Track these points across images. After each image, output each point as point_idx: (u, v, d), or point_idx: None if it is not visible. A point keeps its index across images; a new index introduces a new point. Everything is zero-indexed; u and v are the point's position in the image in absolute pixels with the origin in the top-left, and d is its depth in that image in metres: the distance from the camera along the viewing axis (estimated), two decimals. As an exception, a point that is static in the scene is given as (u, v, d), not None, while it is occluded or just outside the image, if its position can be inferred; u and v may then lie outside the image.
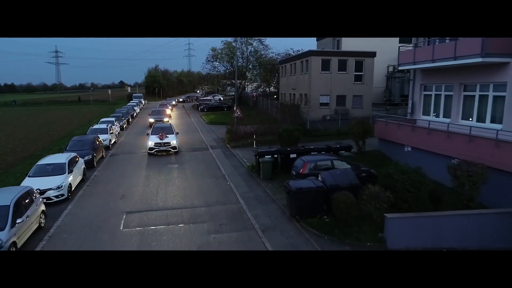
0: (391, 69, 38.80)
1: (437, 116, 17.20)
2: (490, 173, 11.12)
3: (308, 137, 24.65)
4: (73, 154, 17.03)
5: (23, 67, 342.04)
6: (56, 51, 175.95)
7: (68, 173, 15.16)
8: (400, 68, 19.31)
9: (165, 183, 16.84)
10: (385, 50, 34.59)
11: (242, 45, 52.96)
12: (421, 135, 16.21)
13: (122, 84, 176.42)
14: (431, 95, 17.68)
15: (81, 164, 17.34)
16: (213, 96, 69.72)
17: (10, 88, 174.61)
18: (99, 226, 12.17)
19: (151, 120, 34.69)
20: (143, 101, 69.22)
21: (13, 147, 27.20)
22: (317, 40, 46.69)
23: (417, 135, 16.57)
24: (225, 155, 22.63)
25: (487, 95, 14.30)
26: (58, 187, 14.27)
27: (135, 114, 47.83)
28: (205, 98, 68.08)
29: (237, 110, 27.51)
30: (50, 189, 14.06)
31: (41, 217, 12.07)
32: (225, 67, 55.91)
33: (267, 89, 58.64)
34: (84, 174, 17.46)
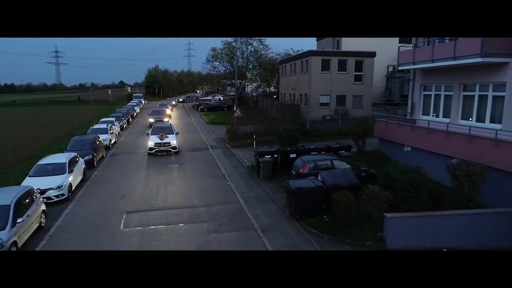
0: (391, 69, 38.83)
1: (437, 116, 17.23)
2: (490, 173, 11.15)
3: (308, 137, 24.68)
4: (73, 154, 17.06)
5: (23, 67, 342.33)
6: (56, 51, 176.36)
7: (69, 173, 15.19)
8: (399, 68, 19.33)
9: (165, 183, 16.86)
10: (385, 50, 34.62)
11: (242, 45, 53.04)
12: (421, 135, 16.24)
13: (122, 84, 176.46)
14: (430, 95, 17.71)
15: (81, 164, 17.36)
16: (213, 96, 69.75)
17: (10, 88, 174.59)
18: (99, 225, 12.20)
19: (151, 120, 34.71)
20: (143, 101, 69.24)
21: (13, 147, 27.22)
22: (317, 40, 46.71)
23: (416, 135, 16.60)
24: (225, 155, 22.66)
25: (487, 95, 14.33)
26: (59, 187, 14.29)
27: (135, 114, 47.86)
28: (205, 98, 68.11)
29: (237, 110, 27.55)
30: (51, 188, 14.08)
31: (41, 217, 12.10)
32: (225, 67, 55.96)
33: (267, 89, 58.67)
34: (84, 174, 17.49)
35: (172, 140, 22.90)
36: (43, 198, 13.21)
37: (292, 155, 17.15)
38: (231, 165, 20.02)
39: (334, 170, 13.53)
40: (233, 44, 52.15)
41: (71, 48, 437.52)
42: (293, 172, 15.16)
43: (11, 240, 9.72)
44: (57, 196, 14.25)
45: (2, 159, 22.62)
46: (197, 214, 13.13)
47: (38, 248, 10.67)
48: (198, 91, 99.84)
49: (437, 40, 16.65)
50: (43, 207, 12.51)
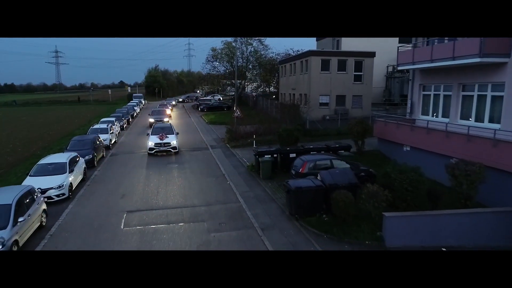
0: (390, 69, 38.91)
1: (436, 116, 17.29)
2: (488, 172, 11.20)
3: (308, 137, 24.73)
4: (73, 154, 17.12)
5: (23, 67, 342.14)
6: (56, 51, 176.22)
7: (69, 173, 15.25)
8: (399, 68, 19.39)
9: (165, 183, 16.93)
10: (385, 50, 34.71)
11: (242, 45, 53.08)
12: (420, 135, 16.30)
13: (122, 84, 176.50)
14: (430, 95, 17.77)
15: (81, 163, 17.43)
16: (212, 96, 69.81)
17: (10, 88, 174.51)
18: (100, 225, 12.26)
19: (151, 120, 34.72)
20: (143, 101, 69.29)
21: (13, 146, 27.28)
22: (317, 40, 46.79)
23: (416, 135, 16.66)
24: (225, 154, 22.72)
25: (486, 95, 14.38)
26: (59, 186, 14.36)
27: (135, 114, 47.93)
28: (205, 98, 68.16)
29: (237, 110, 27.62)
30: (51, 188, 14.15)
31: (42, 216, 12.17)
32: (225, 67, 56.01)
33: (267, 89, 58.74)
34: (84, 173, 17.55)
35: (172, 140, 22.93)
36: (44, 197, 13.28)
37: (292, 155, 17.21)
38: (231, 164, 20.08)
39: (333, 170, 13.58)
40: (233, 44, 52.21)
41: (71, 48, 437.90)
42: (293, 172, 15.22)
43: (13, 239, 9.78)
44: (57, 196, 14.31)
45: (3, 159, 22.68)
46: (197, 213, 13.19)
47: (39, 247, 10.74)
48: (198, 91, 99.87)
49: (436, 40, 16.70)
50: (44, 206, 12.58)
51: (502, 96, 13.47)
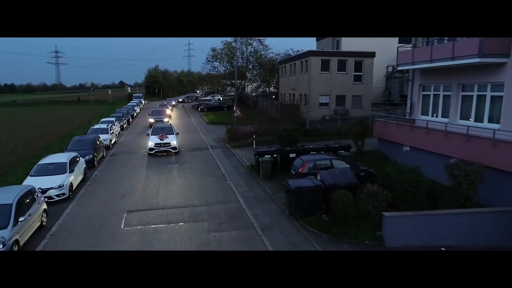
0: (390, 69, 38.94)
1: (436, 116, 17.31)
2: (487, 172, 11.22)
3: (308, 137, 24.77)
4: (74, 154, 17.15)
5: (23, 67, 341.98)
6: (56, 51, 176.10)
7: (69, 173, 15.28)
8: (399, 68, 19.41)
9: (166, 183, 16.95)
10: (385, 50, 34.74)
11: (242, 45, 53.11)
12: (420, 135, 16.33)
13: (122, 84, 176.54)
14: (429, 95, 17.80)
15: (82, 163, 17.46)
16: (212, 96, 69.86)
17: (10, 88, 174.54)
18: (100, 224, 12.29)
19: (151, 120, 34.73)
20: (143, 101, 69.32)
21: (13, 146, 27.31)
22: (316, 40, 46.83)
23: (415, 135, 16.69)
24: (225, 155, 22.75)
25: (485, 95, 14.41)
26: (60, 186, 14.39)
27: (135, 114, 47.97)
28: (205, 98, 68.21)
29: (237, 110, 27.65)
30: (52, 188, 14.18)
31: (42, 216, 12.20)
32: (225, 67, 56.04)
33: (267, 89, 58.77)
34: (85, 173, 17.57)
35: (172, 141, 22.94)
36: (44, 197, 13.31)
37: (292, 155, 17.24)
38: (231, 164, 20.11)
39: (333, 170, 13.60)
40: (233, 44, 52.23)
41: (71, 48, 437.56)
42: (293, 172, 15.25)
43: (13, 239, 9.81)
44: (58, 196, 14.34)
45: (3, 159, 22.71)
46: (197, 213, 13.22)
47: (39, 247, 10.77)
48: (198, 91, 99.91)
49: (436, 41, 16.73)
50: (44, 206, 12.61)
51: (501, 96, 13.50)
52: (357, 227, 11.20)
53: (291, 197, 12.23)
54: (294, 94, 36.46)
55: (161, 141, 22.64)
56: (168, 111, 42.21)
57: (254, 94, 57.07)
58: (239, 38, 51.50)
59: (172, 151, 22.95)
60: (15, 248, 9.88)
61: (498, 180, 12.04)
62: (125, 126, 36.27)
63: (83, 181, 17.12)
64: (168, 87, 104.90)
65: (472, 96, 15.09)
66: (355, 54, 32.83)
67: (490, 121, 14.16)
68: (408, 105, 19.38)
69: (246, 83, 61.45)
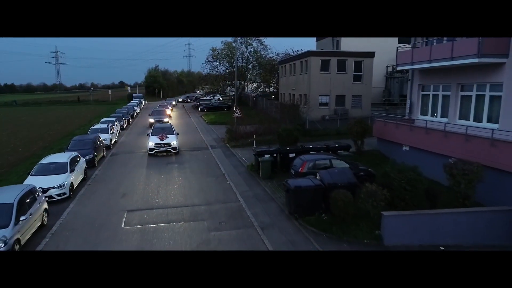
0: (390, 69, 38.99)
1: (435, 116, 17.37)
2: (486, 171, 11.29)
3: (307, 136, 24.83)
4: (74, 154, 17.21)
5: (23, 67, 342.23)
6: (56, 51, 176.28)
7: (70, 172, 15.34)
8: (398, 68, 19.47)
9: (166, 182, 17.01)
10: (384, 50, 34.80)
11: (242, 45, 53.16)
12: (419, 135, 16.39)
13: (122, 84, 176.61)
14: (429, 95, 17.86)
15: (82, 163, 17.51)
16: (212, 96, 69.93)
17: (10, 88, 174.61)
18: (100, 224, 12.34)
19: (151, 120, 34.75)
20: (143, 101, 69.38)
21: (14, 146, 27.38)
22: (316, 40, 46.90)
23: (415, 135, 16.75)
24: (225, 154, 22.80)
25: (484, 95, 14.46)
26: (60, 186, 14.45)
27: (135, 114, 48.03)
28: (205, 98, 68.27)
29: (237, 110, 27.71)
30: (53, 187, 14.24)
31: (43, 215, 12.25)
32: (225, 67, 56.08)
33: (267, 89, 58.82)
34: (85, 173, 17.63)
35: (173, 141, 22.96)
36: (45, 196, 13.36)
37: (291, 155, 17.30)
38: (231, 164, 20.17)
39: (332, 169, 13.65)
40: (233, 44, 52.30)
41: (71, 48, 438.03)
42: (292, 171, 15.30)
43: (15, 238, 9.87)
44: (59, 195, 14.40)
45: (4, 159, 22.77)
46: (197, 212, 13.27)
47: (40, 246, 10.83)
48: (198, 91, 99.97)
49: (435, 41, 16.79)
50: (45, 205, 12.66)
51: (500, 96, 13.56)
52: (356, 226, 11.26)
53: (291, 196, 12.29)
54: (294, 94, 36.52)
55: (161, 141, 22.67)
56: (168, 111, 42.25)
57: (254, 94, 57.12)
58: (239, 38, 51.60)
59: (172, 151, 22.98)
60: (16, 247, 9.94)
61: (496, 180, 12.11)
62: (125, 126, 36.34)
63: (83, 180, 17.18)
64: (168, 87, 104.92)
65: (471, 96, 15.15)
66: (355, 54, 32.89)
67: (489, 121, 14.22)
68: (408, 105, 19.44)
69: (246, 83, 61.51)
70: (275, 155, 17.65)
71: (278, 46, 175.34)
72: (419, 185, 11.50)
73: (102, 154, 22.24)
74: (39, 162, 15.97)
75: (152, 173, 18.71)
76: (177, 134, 24.55)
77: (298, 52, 41.90)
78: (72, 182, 15.26)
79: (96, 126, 27.48)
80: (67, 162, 15.65)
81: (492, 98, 14.12)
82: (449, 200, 11.98)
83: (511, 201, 11.41)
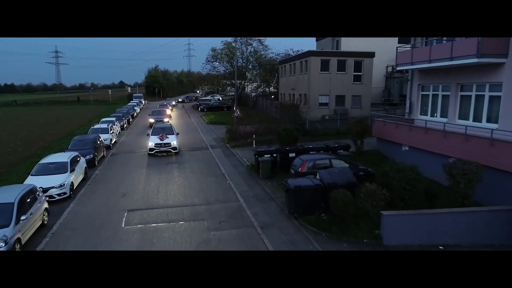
0: (390, 69, 38.99)
1: (435, 116, 17.40)
2: (485, 171, 11.33)
3: (307, 136, 24.86)
4: (74, 153, 17.23)
5: (23, 67, 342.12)
6: (56, 51, 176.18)
7: (70, 172, 15.37)
8: (398, 68, 19.50)
9: (166, 182, 17.04)
10: (384, 50, 34.81)
11: (242, 45, 53.19)
12: (419, 135, 16.42)
13: (122, 84, 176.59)
14: (428, 95, 17.89)
15: (82, 163, 17.54)
16: (212, 96, 69.97)
17: (10, 88, 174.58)
18: (101, 223, 12.38)
19: (151, 120, 34.76)
20: (143, 101, 69.41)
21: (14, 146, 27.40)
22: (316, 40, 46.92)
23: (414, 135, 16.78)
24: (225, 154, 22.83)
25: (483, 95, 14.49)
26: (61, 186, 14.48)
27: (135, 114, 48.05)
28: (205, 98, 68.31)
29: (237, 110, 27.75)
30: (53, 187, 14.28)
31: (44, 215, 12.28)
32: (225, 67, 56.12)
33: (267, 89, 58.85)
34: (85, 173, 17.66)
35: (173, 141, 22.97)
36: (46, 196, 13.39)
37: (291, 155, 17.33)
38: (231, 164, 20.20)
39: (332, 169, 13.68)
40: (233, 44, 52.33)
41: (71, 48, 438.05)
42: (292, 171, 15.33)
43: (15, 237, 9.90)
44: (59, 195, 14.44)
45: (4, 158, 22.80)
46: (197, 212, 13.31)
47: (41, 245, 10.86)
48: (198, 91, 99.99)
49: (435, 41, 16.82)
50: (46, 205, 12.69)
51: (499, 96, 13.59)
52: (356, 225, 11.29)
53: (291, 196, 12.32)
54: (293, 94, 36.55)
55: (161, 141, 22.68)
56: (168, 111, 42.25)
57: (254, 94, 57.16)
58: (239, 38, 51.63)
59: (172, 151, 22.99)
60: (17, 247, 9.97)
61: (495, 179, 12.14)
62: (125, 126, 36.36)
63: (84, 180, 17.21)
64: (168, 87, 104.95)
65: (470, 96, 15.18)
66: (354, 54, 32.92)
67: (488, 120, 14.25)
68: (407, 105, 19.47)
69: (246, 83, 61.54)
70: (275, 155, 17.68)
71: (278, 46, 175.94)
72: (419, 184, 11.54)
73: (102, 154, 22.27)
74: (39, 162, 16.01)
75: (152, 173, 18.74)
76: (177, 134, 24.56)
77: (298, 52, 41.93)
78: (72, 182, 15.30)
79: (96, 126, 27.50)
80: (68, 162, 15.69)
81: (491, 98, 14.15)
82: (449, 199, 12.01)
83: (510, 201, 11.45)
